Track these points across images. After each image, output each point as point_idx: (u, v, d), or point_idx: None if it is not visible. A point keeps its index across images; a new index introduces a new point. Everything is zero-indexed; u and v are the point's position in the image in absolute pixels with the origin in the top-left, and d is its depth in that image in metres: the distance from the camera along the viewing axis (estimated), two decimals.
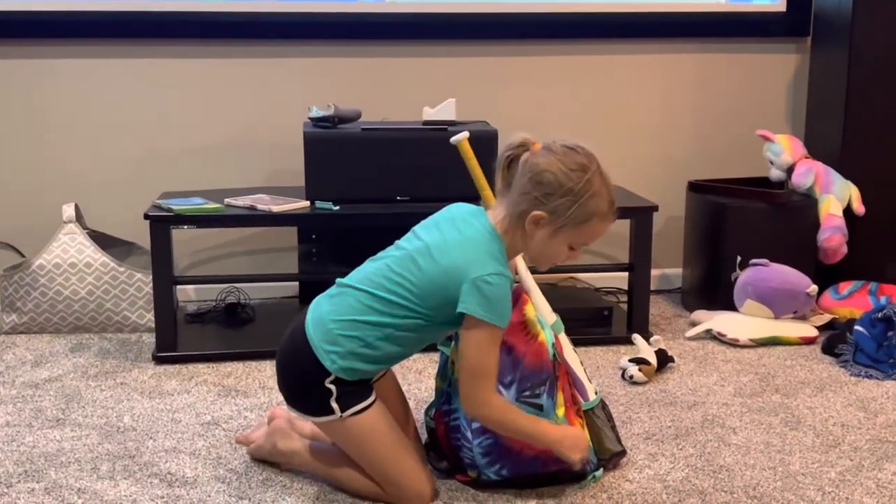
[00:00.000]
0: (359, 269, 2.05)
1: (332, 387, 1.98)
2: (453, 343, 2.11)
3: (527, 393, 2.05)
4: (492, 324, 1.89)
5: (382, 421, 2.03)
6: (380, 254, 2.06)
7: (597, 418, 2.19)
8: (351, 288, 2.01)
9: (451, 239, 1.95)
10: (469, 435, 2.05)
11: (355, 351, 1.97)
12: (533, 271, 2.25)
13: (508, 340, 2.04)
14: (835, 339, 3.03)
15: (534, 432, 1.99)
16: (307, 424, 2.21)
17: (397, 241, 2.05)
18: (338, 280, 2.06)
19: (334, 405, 1.98)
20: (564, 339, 2.21)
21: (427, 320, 1.95)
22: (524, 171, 1.92)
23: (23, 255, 3.39)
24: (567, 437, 2.02)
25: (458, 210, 2.04)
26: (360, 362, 1.98)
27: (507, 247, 1.95)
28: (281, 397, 2.15)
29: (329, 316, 1.99)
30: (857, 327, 2.97)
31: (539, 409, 2.05)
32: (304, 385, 2.01)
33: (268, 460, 2.22)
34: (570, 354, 2.21)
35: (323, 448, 2.15)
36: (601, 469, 2.16)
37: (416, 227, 2.05)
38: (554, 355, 2.11)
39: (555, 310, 2.25)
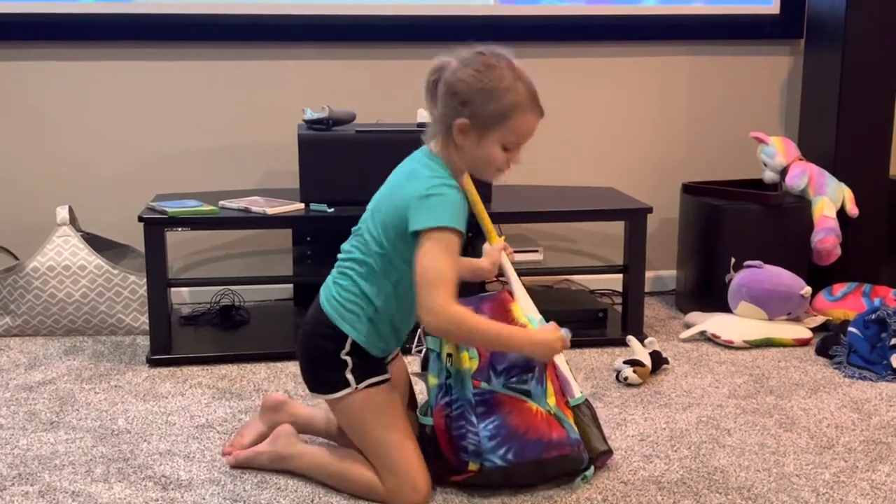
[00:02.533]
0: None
1: (348, 358, 2.03)
2: (443, 339, 2.12)
3: (514, 379, 2.09)
4: (441, 228, 1.89)
5: (394, 402, 2.08)
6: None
7: (583, 415, 2.20)
8: (344, 261, 2.09)
9: (394, 181, 2.03)
10: (474, 419, 2.06)
11: (370, 317, 2.03)
12: (483, 195, 2.28)
13: None
14: (829, 340, 3.04)
15: (499, 335, 1.97)
16: (298, 414, 2.30)
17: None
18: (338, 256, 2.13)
19: (349, 376, 2.03)
20: None
21: (405, 263, 1.97)
22: (441, 87, 1.96)
23: (16, 258, 3.38)
24: (536, 342, 2.02)
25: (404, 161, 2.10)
26: (374, 330, 2.03)
27: (449, 166, 2.00)
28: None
29: (334, 291, 2.06)
30: (850, 329, 2.98)
31: (527, 394, 2.09)
32: (322, 362, 2.05)
33: (252, 466, 2.22)
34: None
35: (314, 450, 2.19)
36: (591, 469, 2.17)
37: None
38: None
39: (549, 311, 2.26)
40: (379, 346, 2.08)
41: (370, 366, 2.07)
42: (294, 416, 2.32)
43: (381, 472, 2.05)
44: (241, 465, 2.23)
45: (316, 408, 2.42)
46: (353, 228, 2.12)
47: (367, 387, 2.05)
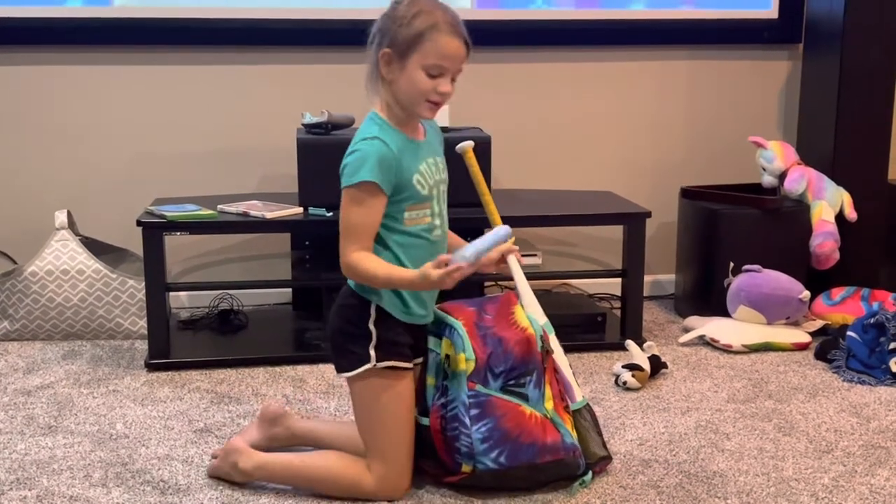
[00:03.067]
0: None
1: (374, 330, 2.06)
2: (444, 339, 2.12)
3: (511, 382, 2.09)
4: (348, 185, 2.01)
5: (409, 394, 2.11)
6: None
7: (584, 420, 2.20)
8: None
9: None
10: (468, 421, 2.06)
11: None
12: None
13: (498, 332, 2.10)
14: (827, 344, 3.04)
15: (389, 276, 2.03)
16: (296, 426, 2.29)
17: None
18: None
19: (372, 352, 2.06)
20: (555, 341, 2.23)
21: (390, 220, 2.06)
22: (369, 38, 2.06)
23: (15, 262, 3.38)
24: (421, 277, 2.00)
25: None
26: (393, 292, 2.07)
27: (387, 111, 2.07)
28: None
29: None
30: (849, 333, 2.98)
31: (525, 398, 2.09)
32: (348, 333, 2.09)
33: (224, 479, 2.19)
34: (560, 356, 2.23)
35: (287, 457, 2.17)
36: (589, 473, 2.16)
37: None
38: (542, 348, 2.14)
39: (548, 316, 2.26)
40: (401, 309, 2.09)
41: (395, 349, 2.08)
42: (291, 428, 2.30)
43: (372, 459, 2.07)
44: (213, 476, 2.21)
45: (317, 419, 2.41)
46: None
47: (386, 368, 2.07)
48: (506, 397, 2.08)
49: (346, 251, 2.02)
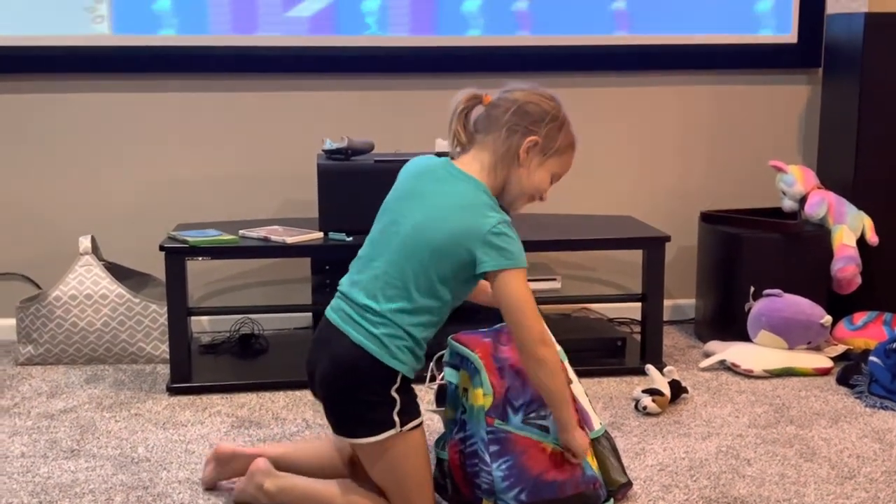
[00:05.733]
0: (357, 282, 2.05)
1: (398, 396, 2.00)
2: (461, 371, 2.12)
3: (532, 414, 2.07)
4: (521, 266, 1.96)
5: (425, 441, 2.08)
6: (364, 253, 2.07)
7: (602, 447, 2.19)
8: (380, 315, 2.00)
9: (444, 206, 1.99)
10: (488, 459, 2.05)
11: (411, 347, 2.02)
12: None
13: (516, 365, 2.08)
14: (850, 369, 3.02)
15: (564, 398, 2.02)
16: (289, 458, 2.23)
17: (379, 229, 2.07)
18: (345, 292, 2.06)
19: (396, 418, 2.00)
20: (568, 368, 2.22)
21: (452, 293, 2.01)
22: (503, 110, 2.01)
23: (39, 287, 3.41)
24: (578, 435, 2.05)
25: (427, 168, 2.08)
26: (414, 357, 2.03)
27: (489, 185, 2.02)
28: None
29: (375, 331, 1.99)
30: (871, 358, 2.96)
31: (545, 430, 2.07)
32: (366, 402, 2.00)
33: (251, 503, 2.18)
34: (575, 384, 2.21)
35: (311, 483, 2.15)
36: (611, 501, 2.15)
37: (392, 205, 2.07)
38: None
39: (567, 341, 2.25)
40: (416, 368, 2.07)
41: (412, 408, 2.04)
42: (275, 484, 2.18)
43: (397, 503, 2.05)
44: (239, 501, 2.20)
45: (286, 444, 2.38)
46: (360, 261, 2.07)
47: (409, 430, 2.02)
48: (526, 432, 2.05)
49: (546, 334, 1.98)
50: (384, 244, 2.03)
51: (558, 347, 2.21)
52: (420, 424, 2.05)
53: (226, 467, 2.26)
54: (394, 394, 2.00)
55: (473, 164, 2.03)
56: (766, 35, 3.67)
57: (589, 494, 2.10)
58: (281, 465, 2.19)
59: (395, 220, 2.03)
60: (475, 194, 1.99)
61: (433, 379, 2.22)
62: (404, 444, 2.02)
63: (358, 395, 2.01)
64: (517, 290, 1.95)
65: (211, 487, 2.27)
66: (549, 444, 2.07)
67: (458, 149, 2.07)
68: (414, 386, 2.08)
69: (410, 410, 2.03)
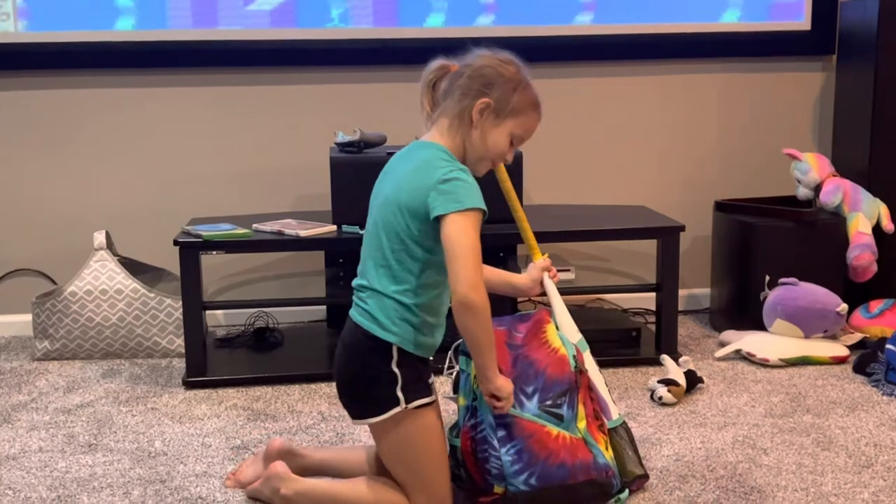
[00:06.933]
0: (360, 264, 2.10)
1: (398, 371, 2.00)
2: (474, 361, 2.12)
3: (548, 402, 2.07)
4: (465, 210, 1.93)
5: (439, 423, 2.07)
6: (364, 240, 2.11)
7: (620, 438, 2.19)
8: (362, 285, 2.06)
9: (405, 171, 2.03)
10: (496, 443, 2.05)
11: (404, 317, 2.00)
12: None
13: (529, 354, 2.08)
14: (866, 358, 3.01)
15: (486, 347, 1.96)
16: (306, 460, 2.25)
17: (369, 217, 2.11)
18: (354, 283, 2.10)
19: (400, 394, 2.00)
20: (589, 358, 2.22)
21: (426, 251, 1.99)
22: (461, 75, 2.04)
23: (55, 283, 3.43)
24: (503, 379, 2.01)
25: (398, 153, 2.13)
26: (412, 328, 2.01)
27: (453, 150, 2.03)
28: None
29: (367, 306, 2.03)
30: (888, 346, 2.94)
31: (559, 419, 2.07)
32: (368, 379, 2.02)
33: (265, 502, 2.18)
34: (595, 374, 2.21)
35: (329, 484, 2.15)
36: (626, 491, 2.15)
37: (374, 189, 2.13)
38: (575, 367, 2.12)
39: (582, 332, 2.25)
40: (422, 345, 2.05)
41: (420, 386, 2.03)
42: (300, 465, 2.24)
43: (413, 492, 2.05)
44: (252, 497, 2.21)
45: (326, 449, 2.39)
46: (364, 240, 2.11)
47: (416, 408, 2.02)
48: (543, 420, 2.05)
49: (472, 278, 1.90)
50: (368, 229, 2.10)
51: (579, 336, 2.21)
52: (431, 404, 2.04)
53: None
54: (394, 368, 2.00)
55: (434, 132, 2.07)
56: (780, 22, 3.65)
57: (601, 482, 2.10)
58: (320, 469, 2.24)
59: (372, 205, 2.11)
60: (431, 153, 2.02)
61: (451, 367, 2.22)
62: (412, 423, 2.02)
63: (361, 373, 2.03)
64: (454, 233, 1.92)
65: (244, 486, 2.25)
66: (557, 430, 2.06)
67: (429, 122, 2.10)
68: (430, 372, 2.08)
69: (417, 388, 2.02)
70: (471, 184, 1.97)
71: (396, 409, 2.01)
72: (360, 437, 2.55)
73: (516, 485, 2.05)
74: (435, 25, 3.49)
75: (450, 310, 2.03)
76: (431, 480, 2.05)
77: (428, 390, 2.06)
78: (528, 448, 2.04)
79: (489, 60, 2.05)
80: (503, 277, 2.29)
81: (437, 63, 2.10)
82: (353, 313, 2.06)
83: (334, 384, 2.12)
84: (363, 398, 2.05)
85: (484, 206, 1.96)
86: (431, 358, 2.09)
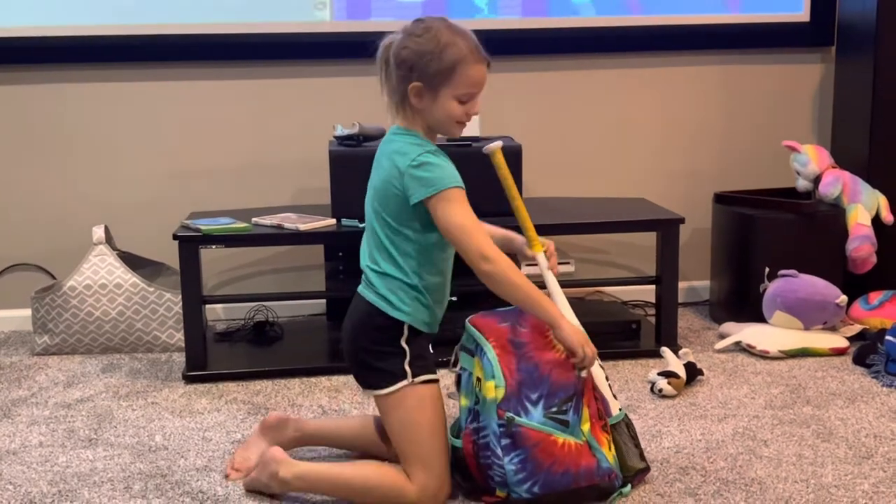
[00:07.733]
0: (367, 248, 2.18)
1: (407, 347, 2.09)
2: (475, 358, 2.12)
3: (554, 409, 2.06)
4: (444, 189, 2.01)
5: (440, 400, 2.14)
6: (366, 227, 2.20)
7: (621, 433, 2.18)
8: (370, 265, 2.14)
9: (384, 160, 2.11)
10: (500, 452, 2.05)
11: (413, 296, 2.10)
12: None
13: (534, 357, 2.07)
14: (866, 349, 3.01)
15: (537, 300, 2.04)
16: (302, 430, 2.33)
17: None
18: (362, 265, 2.18)
19: (407, 368, 2.09)
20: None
21: (416, 232, 2.07)
22: (388, 65, 2.09)
23: (54, 277, 3.43)
24: (568, 322, 2.07)
25: (382, 141, 2.19)
26: (422, 306, 2.10)
27: (421, 133, 2.09)
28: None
29: (377, 284, 2.12)
30: (888, 337, 2.94)
31: (565, 425, 2.06)
32: (380, 352, 2.10)
33: (265, 492, 2.18)
34: (596, 369, 2.20)
35: (326, 467, 2.18)
36: (628, 486, 2.15)
37: (369, 179, 2.20)
38: (579, 369, 2.11)
39: (582, 324, 2.24)
40: (428, 321, 2.13)
41: (426, 363, 2.12)
42: (301, 429, 2.33)
43: (413, 468, 2.07)
44: (249, 489, 2.21)
45: (326, 418, 2.43)
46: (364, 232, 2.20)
47: (421, 383, 2.10)
48: (549, 428, 2.04)
49: (486, 248, 2.00)
50: (367, 217, 2.18)
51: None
52: (435, 381, 2.12)
53: (279, 434, 2.32)
54: (403, 344, 2.10)
55: (398, 118, 2.13)
56: (778, 14, 3.64)
57: (603, 486, 2.10)
58: (316, 438, 2.35)
59: (367, 195, 2.18)
60: (400, 139, 2.09)
61: (456, 363, 2.22)
62: (417, 398, 2.09)
63: (371, 346, 2.11)
64: (442, 217, 2.01)
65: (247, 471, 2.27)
66: (563, 438, 2.05)
67: (391, 107, 2.15)
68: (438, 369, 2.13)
69: (423, 364, 2.11)
70: (440, 165, 2.03)
71: (404, 383, 2.09)
72: None
73: (519, 493, 2.05)
74: None
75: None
76: (431, 455, 2.08)
77: (433, 368, 2.13)
78: (534, 457, 2.03)
79: (406, 41, 2.06)
80: (496, 233, 2.27)
81: (384, 41, 2.13)
82: (364, 290, 2.14)
83: (336, 376, 2.15)
84: (370, 369, 2.12)
85: (460, 183, 2.03)
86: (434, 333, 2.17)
